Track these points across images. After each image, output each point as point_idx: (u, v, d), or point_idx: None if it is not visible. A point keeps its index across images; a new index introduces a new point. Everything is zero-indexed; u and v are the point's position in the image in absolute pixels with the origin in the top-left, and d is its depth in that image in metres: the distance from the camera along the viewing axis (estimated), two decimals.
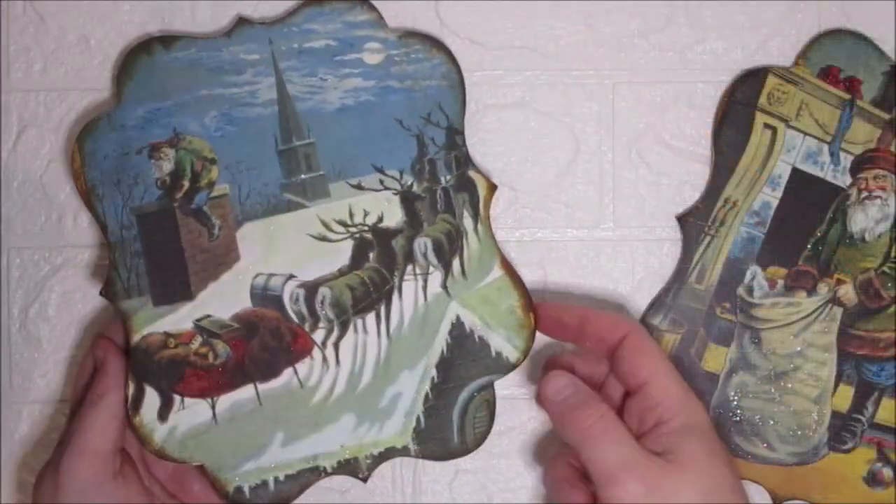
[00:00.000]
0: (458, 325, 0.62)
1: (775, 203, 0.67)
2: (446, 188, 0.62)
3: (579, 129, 0.68)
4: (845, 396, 0.67)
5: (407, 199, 0.62)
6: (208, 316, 0.61)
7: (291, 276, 0.61)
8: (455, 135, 0.63)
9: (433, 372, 0.62)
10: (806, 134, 0.67)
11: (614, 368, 0.59)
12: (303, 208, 0.62)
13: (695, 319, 0.66)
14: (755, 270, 0.66)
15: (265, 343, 0.61)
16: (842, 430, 0.67)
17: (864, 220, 0.66)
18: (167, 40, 0.62)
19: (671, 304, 0.66)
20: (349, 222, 0.62)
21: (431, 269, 0.62)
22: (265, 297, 0.61)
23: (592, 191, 0.68)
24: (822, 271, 0.66)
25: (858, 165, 0.67)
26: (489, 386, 0.62)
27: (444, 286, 0.62)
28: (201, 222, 0.61)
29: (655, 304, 0.67)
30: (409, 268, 0.62)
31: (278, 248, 0.61)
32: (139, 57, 0.61)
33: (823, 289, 0.66)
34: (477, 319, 0.62)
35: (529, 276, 0.67)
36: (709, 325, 0.66)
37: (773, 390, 0.66)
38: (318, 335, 0.62)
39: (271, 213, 0.62)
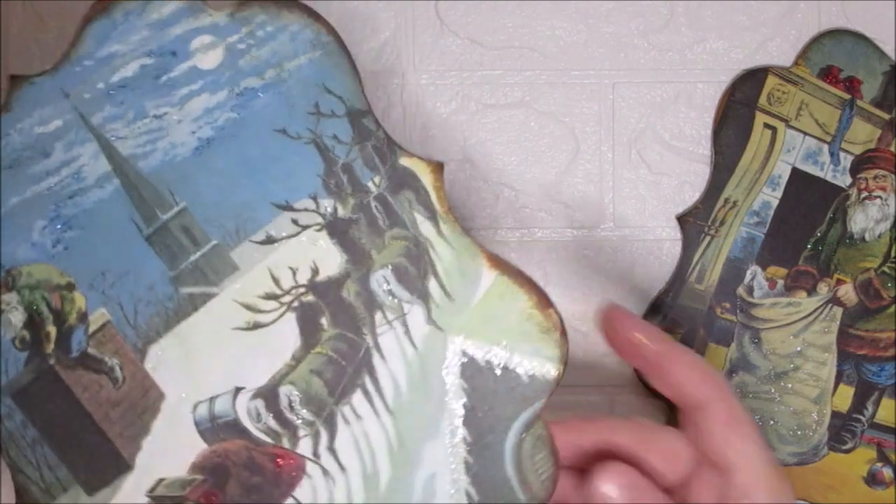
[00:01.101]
0: (468, 362, 0.47)
1: (775, 203, 0.67)
2: (381, 195, 0.48)
3: (579, 129, 0.68)
4: (845, 396, 0.67)
5: (336, 229, 0.47)
6: (161, 480, 0.46)
7: (238, 389, 0.47)
8: (360, 118, 0.48)
9: (461, 432, 0.47)
10: (806, 134, 0.67)
11: (690, 430, 0.48)
12: (212, 298, 0.47)
13: (695, 319, 0.66)
14: (755, 270, 0.66)
15: (245, 482, 0.46)
16: (842, 430, 0.67)
17: (864, 220, 0.66)
18: None
19: (671, 304, 0.66)
20: (278, 291, 0.47)
21: (406, 306, 0.47)
22: (217, 428, 0.46)
23: (592, 191, 0.68)
24: (822, 271, 0.66)
25: (858, 165, 0.67)
26: (536, 419, 0.48)
27: (431, 320, 0.47)
28: (94, 370, 0.46)
29: (655, 304, 0.67)
30: (378, 316, 0.47)
31: (204, 362, 0.46)
32: None
33: (823, 289, 0.66)
34: (487, 345, 0.48)
35: None
36: (709, 325, 0.66)
37: (772, 390, 0.66)
38: (305, 446, 0.47)
39: (175, 320, 0.46)
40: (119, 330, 0.47)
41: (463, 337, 0.48)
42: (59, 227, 0.46)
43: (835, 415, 0.66)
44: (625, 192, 0.68)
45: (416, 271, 0.47)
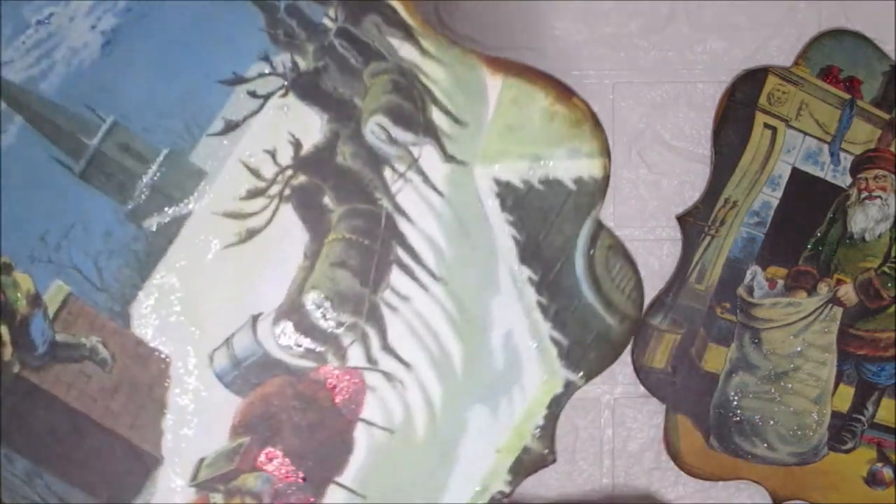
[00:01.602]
0: (504, 190, 0.39)
1: (775, 203, 0.67)
2: (342, 29, 0.38)
3: None
4: (845, 396, 0.67)
5: (303, 87, 0.37)
6: (202, 461, 0.38)
7: (256, 317, 0.38)
8: None
9: (524, 271, 0.39)
10: (806, 134, 0.67)
11: None
12: (186, 219, 0.37)
13: (695, 319, 0.66)
14: (755, 270, 0.66)
15: (300, 424, 0.38)
16: (842, 430, 0.66)
17: (864, 220, 0.66)
18: None
19: (671, 304, 0.66)
20: (261, 184, 0.37)
21: (414, 149, 0.39)
22: (245, 373, 0.38)
23: None
24: (822, 271, 0.66)
25: (858, 165, 0.67)
26: (599, 227, 0.42)
27: (448, 156, 0.39)
28: (72, 359, 0.36)
29: (656, 304, 0.67)
30: (388, 172, 0.38)
31: (203, 300, 0.37)
32: None
33: (823, 289, 0.66)
34: (519, 162, 0.39)
35: None
36: (709, 325, 0.66)
37: (773, 390, 0.66)
38: (355, 354, 0.38)
39: (150, 264, 0.36)
40: (87, 299, 0.37)
41: (488, 163, 0.39)
42: None
43: (835, 415, 0.66)
44: (625, 192, 0.68)
45: (411, 105, 0.39)
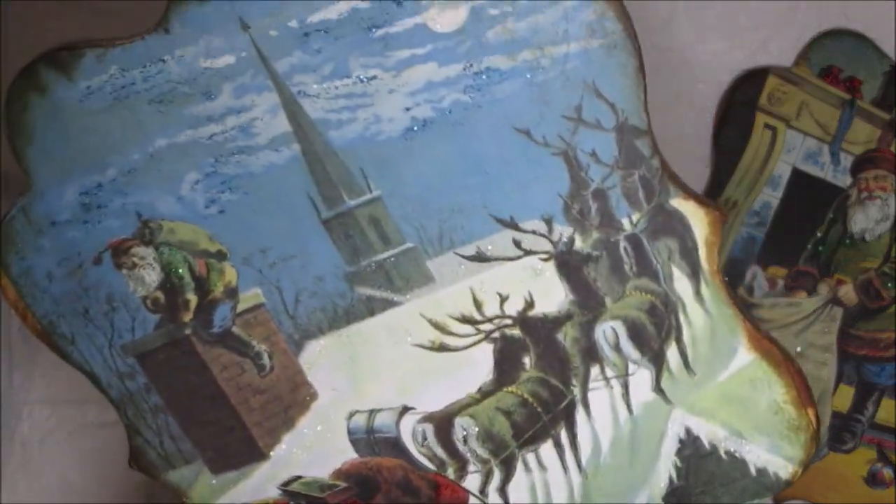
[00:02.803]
0: (689, 441, 0.40)
1: (776, 203, 0.67)
2: (634, 236, 0.40)
3: None
4: (845, 397, 0.67)
5: (568, 264, 0.39)
6: (298, 477, 0.41)
7: (406, 409, 0.41)
8: (634, 137, 0.40)
9: None
10: (806, 134, 0.67)
11: None
12: (394, 307, 0.40)
13: None
14: (755, 270, 0.66)
15: (394, 501, 0.41)
16: (842, 431, 0.67)
17: (865, 220, 0.66)
18: (62, 61, 0.36)
19: None
20: (478, 316, 0.39)
21: (632, 367, 0.40)
22: (374, 442, 0.41)
23: None
24: (823, 271, 0.66)
25: (859, 166, 0.67)
26: None
27: (659, 389, 0.40)
28: (238, 351, 0.41)
29: None
30: (595, 370, 0.40)
31: (371, 372, 0.40)
32: (27, 98, 0.36)
33: (823, 289, 0.66)
34: (719, 428, 0.41)
35: None
36: None
37: None
38: (472, 481, 0.41)
39: (344, 321, 0.40)
40: (273, 316, 0.41)
41: (691, 413, 0.41)
42: (216, 185, 0.38)
43: (835, 415, 0.66)
44: None
45: (655, 332, 0.40)
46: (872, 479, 0.67)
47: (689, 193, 0.40)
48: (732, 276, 0.66)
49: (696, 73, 0.68)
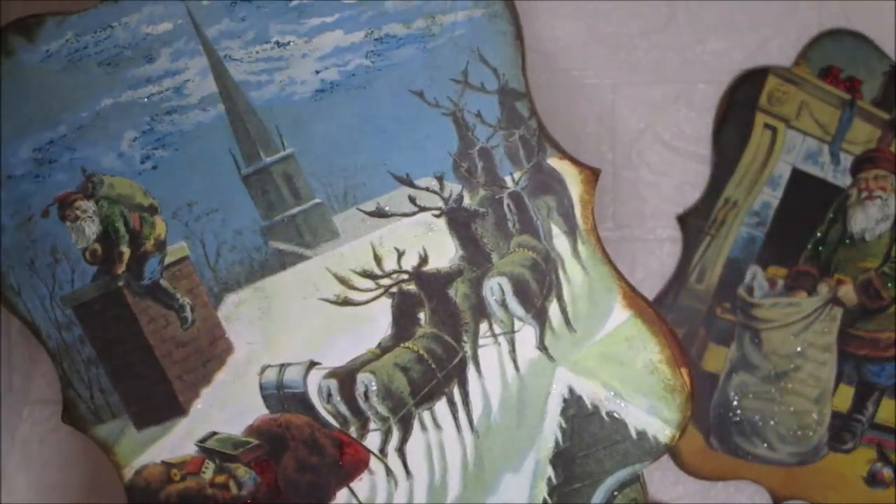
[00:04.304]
0: (573, 401, 0.42)
1: (775, 203, 0.67)
2: (516, 193, 0.42)
3: (579, 129, 0.68)
4: (845, 397, 0.67)
5: (458, 220, 0.42)
6: (214, 434, 0.43)
7: (313, 364, 0.43)
8: (514, 99, 0.42)
9: (548, 470, 0.42)
10: (806, 134, 0.67)
11: None
12: (303, 260, 0.42)
13: (695, 319, 0.66)
14: (755, 270, 0.66)
15: (302, 460, 0.42)
16: (842, 431, 0.66)
17: (865, 220, 0.66)
18: (27, 27, 0.39)
19: (672, 304, 0.66)
20: (377, 271, 0.42)
21: (518, 323, 0.42)
22: (283, 397, 0.42)
23: None
24: (823, 271, 0.66)
25: (858, 165, 0.67)
26: (635, 479, 0.43)
27: (543, 346, 0.42)
28: (164, 304, 0.43)
29: (656, 304, 0.67)
30: (484, 326, 0.42)
31: (283, 326, 0.42)
32: None
33: (823, 289, 0.66)
34: (601, 388, 0.43)
35: None
36: (709, 325, 0.66)
37: (773, 390, 0.66)
38: (373, 440, 0.42)
39: (259, 274, 0.42)
40: (197, 269, 0.43)
41: (574, 372, 0.43)
42: (151, 142, 0.41)
43: (835, 415, 0.66)
44: (625, 192, 0.68)
45: (538, 288, 0.42)
46: (872, 479, 0.67)
47: (563, 153, 0.43)
48: (732, 276, 0.66)
49: (696, 73, 0.68)
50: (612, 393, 0.43)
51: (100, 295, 0.43)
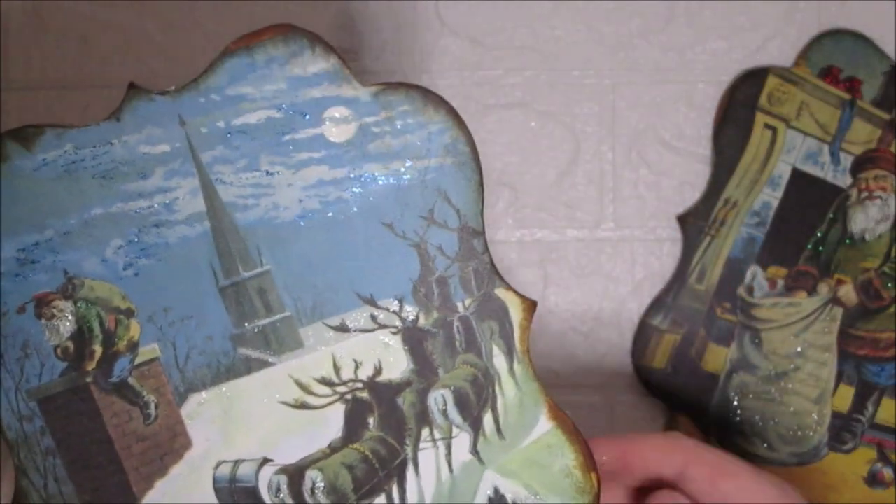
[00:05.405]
0: (497, 499, 0.46)
1: (775, 203, 0.67)
2: (465, 318, 0.46)
3: (579, 129, 0.68)
4: (845, 397, 0.67)
5: (412, 338, 0.46)
6: None
7: (266, 461, 0.46)
8: (472, 238, 0.46)
9: None
10: (806, 134, 0.67)
11: (688, 496, 0.49)
12: (267, 367, 0.45)
13: (695, 319, 0.66)
14: (755, 270, 0.66)
15: None
16: (842, 431, 0.66)
17: (865, 220, 0.66)
18: (25, 136, 0.43)
19: (671, 304, 0.66)
20: (335, 380, 0.46)
21: (455, 430, 0.46)
22: (234, 490, 0.45)
23: (592, 191, 0.68)
24: (823, 271, 0.66)
25: (859, 165, 0.67)
26: None
27: (475, 451, 0.46)
28: (129, 400, 0.45)
29: (656, 305, 0.67)
30: (426, 432, 0.46)
31: (242, 425, 0.46)
32: None
33: (824, 289, 0.66)
34: (521, 489, 0.46)
35: (530, 277, 0.67)
36: (709, 326, 0.66)
37: (773, 390, 0.66)
38: None
39: (225, 377, 0.45)
40: (165, 370, 0.45)
41: (500, 474, 0.47)
42: (135, 251, 0.44)
43: (835, 415, 0.66)
44: (625, 192, 0.68)
45: (476, 400, 0.46)
46: (872, 479, 0.67)
47: (508, 286, 0.47)
48: (732, 276, 0.66)
49: (696, 73, 0.68)
50: (530, 492, 0.47)
51: (66, 389, 0.44)
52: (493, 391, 0.47)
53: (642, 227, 0.68)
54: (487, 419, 0.47)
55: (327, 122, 0.44)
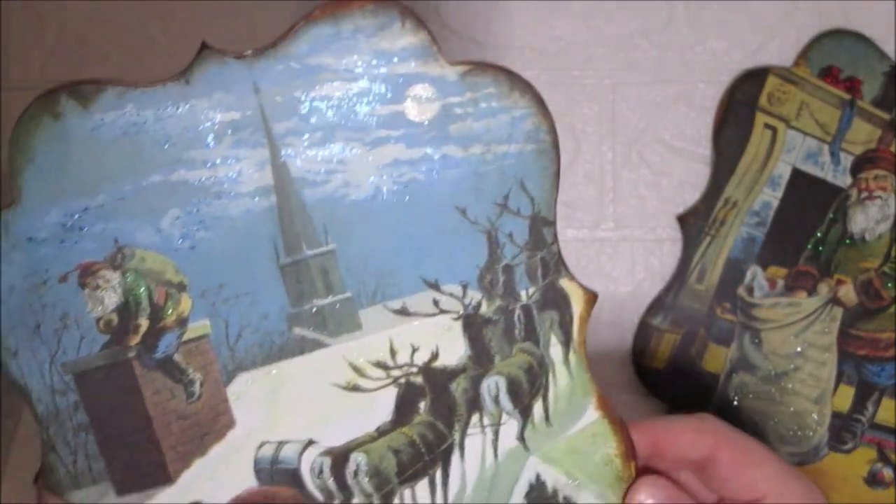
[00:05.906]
0: (537, 486, 0.46)
1: (775, 203, 0.67)
2: (528, 306, 0.45)
3: (579, 129, 0.68)
4: (845, 397, 0.67)
5: (472, 325, 0.45)
6: (198, 503, 0.44)
7: (311, 443, 0.44)
8: (543, 226, 0.46)
9: None
10: (806, 134, 0.67)
11: (712, 485, 0.49)
12: (322, 348, 0.44)
13: (695, 319, 0.66)
14: (755, 270, 0.66)
15: None
16: (842, 431, 0.67)
17: (865, 220, 0.66)
18: (83, 93, 0.39)
19: (671, 304, 0.66)
20: (391, 363, 0.44)
21: (505, 417, 0.46)
22: (275, 472, 0.44)
23: (592, 191, 0.68)
24: (823, 271, 0.66)
25: (859, 166, 0.67)
26: None
27: (522, 438, 0.46)
28: (173, 377, 0.43)
29: (656, 305, 0.67)
30: (475, 418, 0.45)
31: (289, 407, 0.44)
32: (40, 121, 0.40)
33: (824, 289, 0.66)
34: (563, 476, 0.46)
35: None
36: (709, 326, 0.66)
37: (773, 390, 0.66)
38: None
39: (276, 357, 0.43)
40: (214, 347, 0.43)
41: (543, 461, 0.46)
42: (194, 223, 0.41)
43: (835, 415, 0.66)
44: (625, 192, 0.68)
45: (528, 389, 0.46)
46: (872, 479, 0.67)
47: (572, 277, 0.46)
48: (732, 276, 0.66)
49: (696, 73, 0.68)
50: (571, 480, 0.46)
51: (106, 364, 0.42)
52: (546, 380, 0.46)
53: (642, 227, 0.68)
54: (537, 407, 0.46)
55: (409, 100, 0.42)
